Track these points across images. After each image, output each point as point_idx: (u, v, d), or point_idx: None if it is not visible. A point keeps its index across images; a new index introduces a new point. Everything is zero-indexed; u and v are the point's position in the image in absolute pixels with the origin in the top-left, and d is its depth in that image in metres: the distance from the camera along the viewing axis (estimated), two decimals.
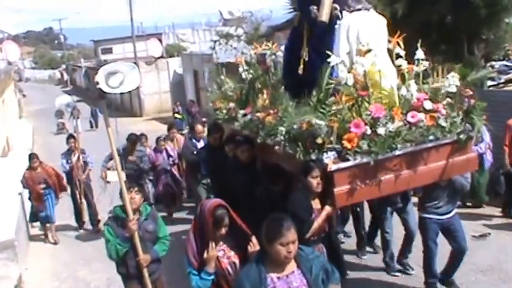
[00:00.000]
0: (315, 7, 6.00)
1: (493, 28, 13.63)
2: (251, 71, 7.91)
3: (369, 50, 5.14)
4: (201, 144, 10.04)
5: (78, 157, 11.13)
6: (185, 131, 23.76)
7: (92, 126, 28.93)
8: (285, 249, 3.59)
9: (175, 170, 11.39)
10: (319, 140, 5.05)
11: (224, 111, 7.75)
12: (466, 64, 10.90)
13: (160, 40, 35.46)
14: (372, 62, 5.12)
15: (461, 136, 5.49)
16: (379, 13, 5.83)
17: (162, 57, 34.49)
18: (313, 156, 5.15)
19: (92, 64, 51.28)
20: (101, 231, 10.94)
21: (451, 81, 5.41)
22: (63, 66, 72.71)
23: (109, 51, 48.81)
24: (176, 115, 25.67)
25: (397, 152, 5.14)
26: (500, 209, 9.86)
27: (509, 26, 14.29)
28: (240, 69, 8.14)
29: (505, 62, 16.15)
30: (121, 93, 5.87)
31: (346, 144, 4.99)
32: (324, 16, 5.90)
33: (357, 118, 5.08)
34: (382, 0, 13.99)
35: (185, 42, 35.68)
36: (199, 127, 10.21)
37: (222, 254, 4.36)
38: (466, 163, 5.69)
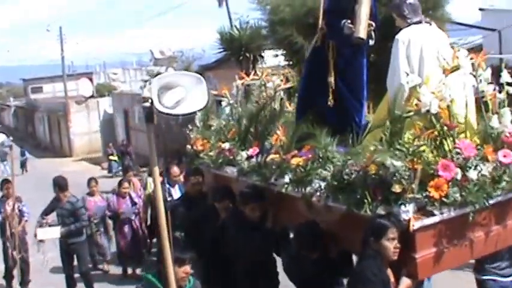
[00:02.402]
0: (349, 21, 4.57)
1: None
2: (236, 105, 6.39)
3: (456, 68, 3.69)
4: (176, 191, 8.24)
5: (14, 206, 8.85)
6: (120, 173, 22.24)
7: (22, 169, 26.18)
8: None
9: (138, 221, 9.25)
10: (396, 188, 3.51)
11: (211, 153, 5.97)
12: None
13: (91, 79, 33.22)
14: (463, 83, 3.68)
15: None
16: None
17: (92, 96, 32.37)
18: (382, 210, 3.61)
19: (21, 103, 47.94)
20: None
21: None
22: None
23: (39, 90, 44.98)
24: (111, 157, 23.60)
25: (490, 202, 3.69)
26: None
27: None
28: (224, 103, 6.56)
29: None
30: (178, 116, 4.20)
31: (433, 192, 3.49)
32: (362, 32, 4.48)
33: (440, 158, 3.60)
34: (309, 40, 13.50)
35: (116, 81, 33.65)
36: (175, 169, 8.39)
37: None
38: None
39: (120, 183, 9.30)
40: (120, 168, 23.27)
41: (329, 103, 4.82)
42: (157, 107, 3.60)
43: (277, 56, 16.15)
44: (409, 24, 4.28)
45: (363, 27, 4.47)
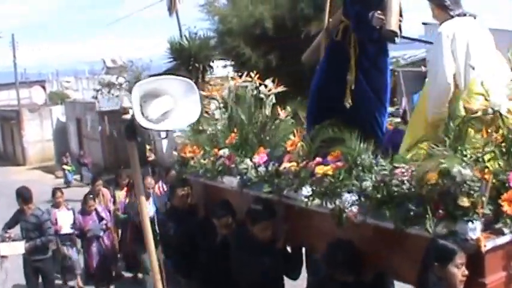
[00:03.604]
0: (379, 11, 3.94)
1: None
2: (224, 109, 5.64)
3: None
4: (150, 202, 7.39)
5: None
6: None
7: None
8: None
9: (107, 237, 8.19)
10: (464, 202, 2.86)
11: (204, 161, 5.15)
12: None
13: (44, 87, 31.65)
14: None
15: None
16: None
17: (45, 104, 30.83)
18: (443, 229, 2.95)
19: None
20: None
21: None
22: None
23: None
24: (65, 166, 22.35)
25: None
26: None
27: None
28: (213, 106, 5.79)
29: None
30: (165, 131, 3.44)
31: (506, 207, 2.86)
32: (394, 24, 3.86)
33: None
34: (257, 51, 13.61)
35: (69, 89, 32.23)
36: (149, 180, 7.58)
37: None
38: None
39: (85, 199, 8.22)
40: (74, 177, 22.24)
41: (346, 104, 4.18)
42: (140, 121, 2.87)
43: (225, 66, 15.81)
44: (452, 17, 3.63)
45: (395, 19, 3.86)
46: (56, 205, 8.35)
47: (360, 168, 3.43)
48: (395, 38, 4.04)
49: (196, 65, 15.49)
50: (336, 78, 4.23)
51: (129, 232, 8.11)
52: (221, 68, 16.22)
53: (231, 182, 4.71)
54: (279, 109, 5.43)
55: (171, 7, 19.86)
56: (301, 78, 11.33)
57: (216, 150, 5.04)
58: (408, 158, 3.26)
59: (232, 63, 14.89)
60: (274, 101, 5.45)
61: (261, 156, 4.44)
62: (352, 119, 4.06)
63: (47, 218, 7.46)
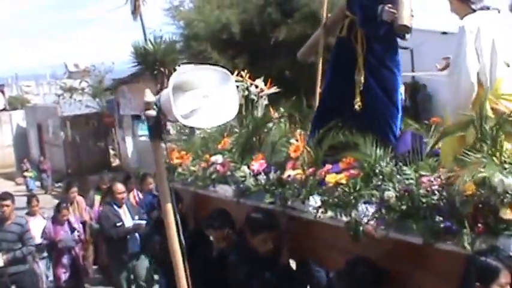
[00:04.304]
0: (389, 5, 3.66)
1: None
2: None
3: None
4: (125, 213, 6.91)
5: None
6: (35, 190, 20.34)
7: None
8: None
9: (79, 249, 7.61)
10: (507, 215, 2.59)
11: (194, 168, 4.81)
12: (306, 117, 9.95)
13: (3, 92, 30.51)
14: None
15: None
16: None
17: (5, 109, 29.78)
18: (482, 244, 2.66)
19: None
20: None
21: None
22: None
23: None
24: (26, 173, 21.54)
25: None
26: None
27: None
28: None
29: None
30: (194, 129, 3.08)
31: None
32: (406, 19, 3.59)
33: None
34: (224, 55, 13.60)
35: (29, 94, 31.23)
36: (119, 187, 7.03)
37: None
38: None
39: (58, 208, 7.60)
40: (36, 184, 21.50)
41: (356, 106, 3.89)
42: (175, 114, 2.54)
43: None
44: (474, 10, 3.35)
45: (407, 13, 3.58)
46: (32, 213, 7.81)
47: (380, 177, 3.11)
48: (406, 34, 3.79)
49: (162, 69, 15.25)
50: (343, 77, 3.94)
51: (103, 245, 7.59)
52: None
53: (225, 191, 4.38)
54: (272, 110, 5.17)
55: (135, 11, 19.45)
56: (268, 82, 11.25)
57: (207, 156, 4.69)
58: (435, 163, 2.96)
59: None
60: (266, 101, 5.20)
61: (260, 163, 4.10)
62: (361, 122, 3.77)
63: (28, 228, 6.93)
